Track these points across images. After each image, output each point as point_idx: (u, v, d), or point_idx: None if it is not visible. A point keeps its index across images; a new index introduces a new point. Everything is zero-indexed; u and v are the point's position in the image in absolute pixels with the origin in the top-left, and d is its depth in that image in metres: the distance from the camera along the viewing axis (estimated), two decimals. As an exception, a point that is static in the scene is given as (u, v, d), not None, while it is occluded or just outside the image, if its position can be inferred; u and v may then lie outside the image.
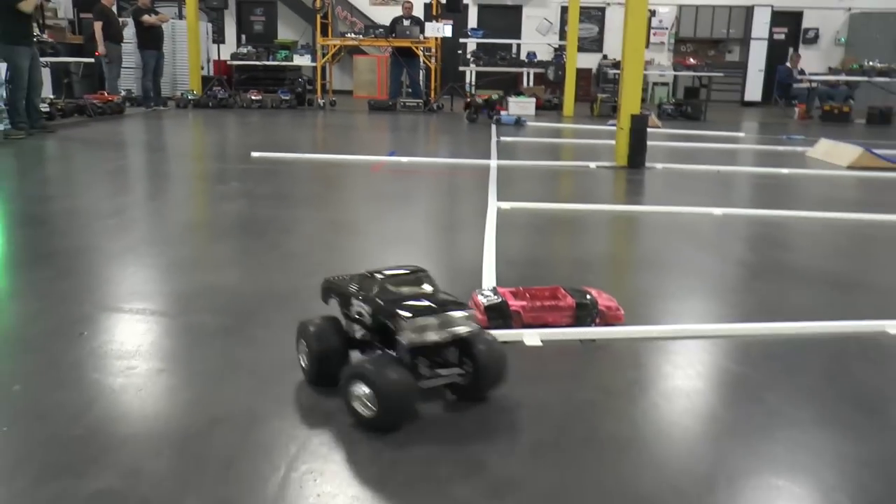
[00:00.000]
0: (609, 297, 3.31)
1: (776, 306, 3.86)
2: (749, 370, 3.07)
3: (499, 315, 3.10)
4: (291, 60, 17.04)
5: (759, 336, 3.37)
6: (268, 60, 17.05)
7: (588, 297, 3.23)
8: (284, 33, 21.00)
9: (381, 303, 2.38)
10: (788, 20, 20.13)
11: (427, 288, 2.48)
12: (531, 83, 17.33)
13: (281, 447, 2.22)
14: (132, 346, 2.98)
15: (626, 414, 2.57)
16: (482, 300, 3.17)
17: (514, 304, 3.14)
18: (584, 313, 3.17)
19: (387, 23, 15.87)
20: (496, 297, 3.19)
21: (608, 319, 3.21)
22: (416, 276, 2.52)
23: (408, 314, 2.30)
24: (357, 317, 2.50)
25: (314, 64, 16.59)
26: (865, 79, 16.28)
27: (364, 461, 2.18)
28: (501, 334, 3.05)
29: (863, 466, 2.28)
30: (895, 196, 7.36)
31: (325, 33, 16.15)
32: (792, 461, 2.31)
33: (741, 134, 12.60)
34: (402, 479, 2.10)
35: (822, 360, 3.17)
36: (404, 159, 8.29)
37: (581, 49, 15.10)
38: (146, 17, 14.37)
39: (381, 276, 2.46)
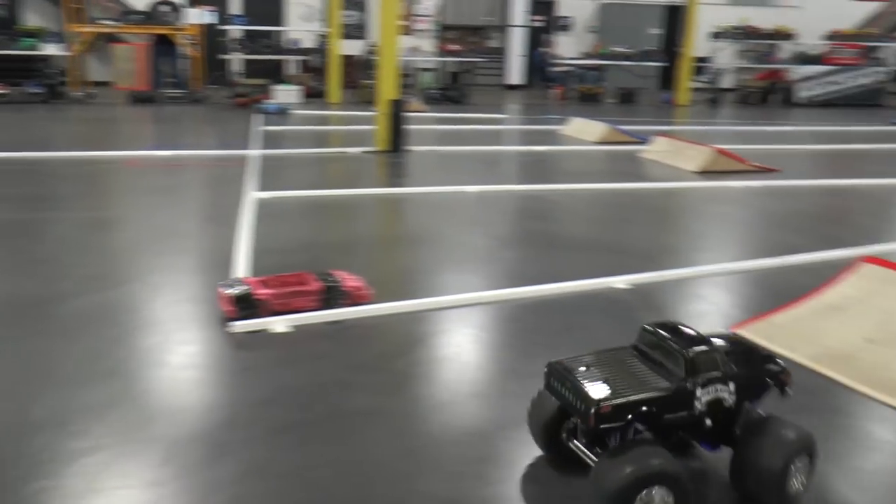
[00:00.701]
0: (356, 278, 3.40)
1: (523, 273, 4.14)
2: (491, 334, 3.28)
3: (246, 305, 3.10)
4: (39, 49, 15.76)
5: (505, 301, 3.61)
6: (11, 49, 15.67)
7: (335, 279, 3.31)
8: (31, 19, 19.36)
9: (751, 371, 2.17)
10: (544, 9, 21.33)
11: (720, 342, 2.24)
12: (299, 71, 17.16)
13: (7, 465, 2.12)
14: None
15: (371, 387, 2.68)
16: (228, 291, 3.15)
17: (261, 292, 3.15)
18: (331, 296, 3.25)
19: (144, 8, 15.08)
20: (242, 287, 3.18)
21: (355, 300, 3.31)
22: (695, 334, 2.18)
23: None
24: (705, 410, 2.10)
25: (67, 53, 15.46)
26: (613, 62, 17.68)
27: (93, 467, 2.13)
28: (249, 324, 3.07)
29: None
30: (634, 166, 8.05)
31: (76, 19, 15.08)
32: (520, 412, 2.51)
33: (503, 115, 13.22)
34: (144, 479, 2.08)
35: (560, 317, 3.46)
36: (166, 152, 7.97)
37: (346, 36, 15.13)
38: None
39: (695, 353, 2.09)
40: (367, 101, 14.38)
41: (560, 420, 2.19)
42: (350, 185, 6.31)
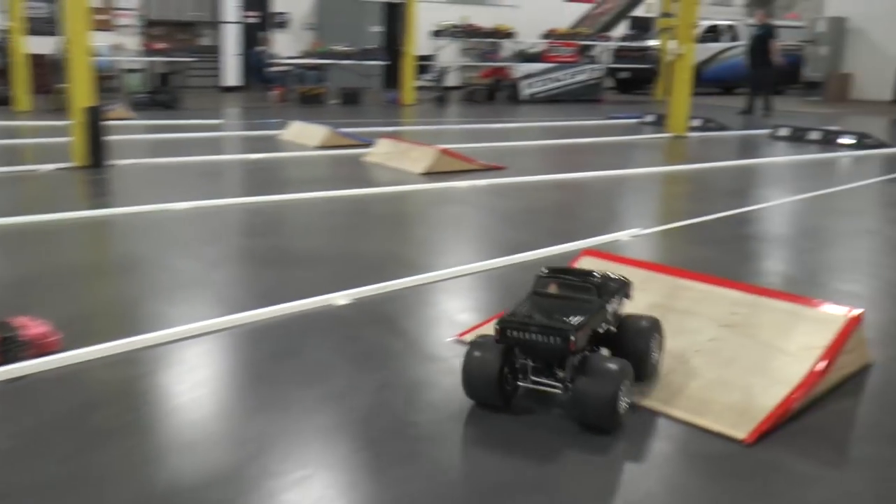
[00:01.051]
0: (41, 323, 2.94)
1: (238, 297, 3.87)
2: (202, 370, 2.99)
3: None
4: None
5: (218, 331, 3.31)
6: None
7: (13, 328, 2.84)
8: None
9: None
10: (258, 4, 20.73)
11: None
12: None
13: None
14: None
15: (59, 452, 2.29)
16: None
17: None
18: (10, 348, 2.77)
19: None
20: None
21: (40, 349, 2.85)
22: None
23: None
24: (611, 320, 2.69)
25: None
26: (334, 62, 17.55)
27: None
28: None
29: (289, 436, 2.34)
30: (358, 171, 8.00)
31: None
32: (242, 456, 2.28)
33: (220, 121, 12.52)
34: None
35: (277, 343, 3.23)
36: None
37: (34, 31, 13.48)
38: None
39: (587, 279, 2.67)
40: (64, 109, 13.08)
41: (502, 370, 2.51)
42: (41, 210, 5.49)
